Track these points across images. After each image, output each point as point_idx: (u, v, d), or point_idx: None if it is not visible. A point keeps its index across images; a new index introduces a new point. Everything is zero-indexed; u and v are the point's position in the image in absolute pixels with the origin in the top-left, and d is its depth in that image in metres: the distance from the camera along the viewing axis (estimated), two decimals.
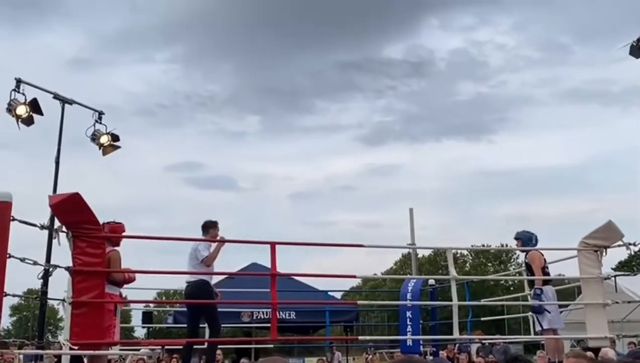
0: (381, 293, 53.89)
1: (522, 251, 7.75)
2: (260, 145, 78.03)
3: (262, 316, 12.77)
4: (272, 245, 6.17)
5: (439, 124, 76.89)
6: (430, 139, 78.42)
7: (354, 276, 7.53)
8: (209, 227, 7.20)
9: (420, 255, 54.01)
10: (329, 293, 14.20)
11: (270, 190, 77.76)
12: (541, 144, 73.24)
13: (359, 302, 9.27)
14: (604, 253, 7.12)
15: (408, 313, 9.84)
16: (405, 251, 55.14)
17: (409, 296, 9.96)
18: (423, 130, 78.15)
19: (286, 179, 78.71)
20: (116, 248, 6.35)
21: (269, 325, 7.81)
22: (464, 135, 79.81)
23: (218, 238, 7.14)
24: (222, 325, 8.00)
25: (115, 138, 9.94)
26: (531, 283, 7.56)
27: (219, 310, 8.29)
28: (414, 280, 10.37)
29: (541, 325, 7.25)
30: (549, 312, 7.28)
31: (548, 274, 7.55)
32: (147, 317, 13.20)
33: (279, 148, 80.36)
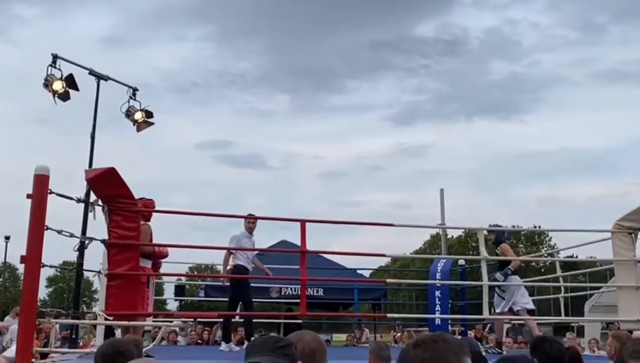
0: (410, 272, 54.06)
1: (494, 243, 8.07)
2: (289, 124, 78.22)
3: (291, 292, 12.90)
4: (302, 222, 6.20)
5: (471, 103, 75.88)
6: (462, 119, 77.41)
7: (384, 255, 7.55)
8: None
9: (449, 236, 53.79)
10: (358, 271, 14.24)
11: (300, 169, 77.98)
12: (574, 125, 71.88)
13: (388, 280, 9.23)
14: (638, 236, 7.02)
15: (437, 293, 9.84)
16: (435, 232, 55.10)
17: (438, 275, 9.97)
18: (455, 110, 77.19)
19: (316, 159, 78.80)
20: (147, 223, 6.52)
21: (297, 301, 7.88)
22: (496, 115, 78.58)
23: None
24: (252, 300, 8.20)
25: (149, 114, 10.05)
26: (502, 266, 7.86)
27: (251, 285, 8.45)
28: (444, 260, 10.35)
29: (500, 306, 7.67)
30: (503, 299, 7.69)
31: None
32: (179, 290, 13.44)
33: (308, 127, 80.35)
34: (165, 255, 6.74)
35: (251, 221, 8.13)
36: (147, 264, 6.49)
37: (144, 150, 75.02)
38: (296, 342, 2.19)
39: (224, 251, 8.15)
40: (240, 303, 8.11)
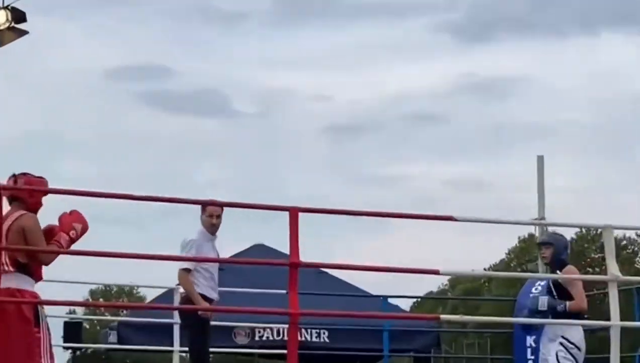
0: (482, 304, 54.31)
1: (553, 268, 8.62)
2: (272, 37, 78.00)
3: (271, 336, 12.99)
4: (293, 212, 6.25)
5: (590, 7, 75.59)
6: (574, 33, 77.44)
7: (436, 272, 7.57)
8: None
9: None
10: (390, 300, 14.35)
11: (290, 118, 78.09)
12: None
13: (443, 317, 9.29)
14: None
15: (529, 340, 9.92)
16: (527, 231, 55.26)
17: (531, 308, 10.03)
18: (560, 17, 77.02)
19: (317, 100, 79.23)
20: (32, 214, 6.67)
21: (283, 351, 7.98)
22: (632, 27, 78.33)
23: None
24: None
25: (18, 16, 10.05)
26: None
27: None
28: (542, 282, 10.40)
29: None
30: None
31: None
32: (71, 331, 13.55)
33: (304, 44, 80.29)
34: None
35: (214, 213, 8.32)
36: (31, 287, 6.65)
37: (10, 79, 75.03)
38: None
39: (179, 269, 8.36)
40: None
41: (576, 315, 8.23)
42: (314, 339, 13.22)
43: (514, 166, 65.93)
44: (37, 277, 6.70)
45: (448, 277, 58.24)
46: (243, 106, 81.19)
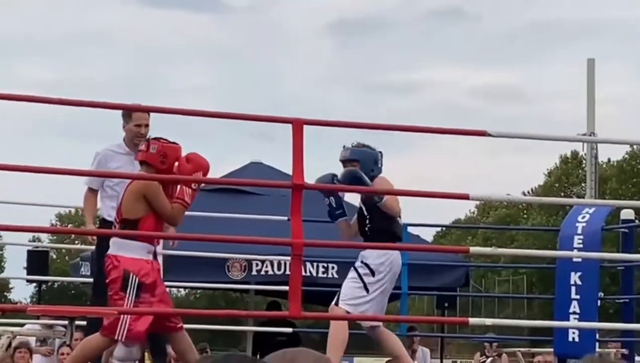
0: (519, 234, 54.47)
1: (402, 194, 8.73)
2: None
3: (271, 271, 13.06)
4: (296, 124, 6.31)
5: None
6: None
7: (465, 197, 7.59)
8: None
9: (604, 159, 53.93)
10: (409, 229, 14.38)
11: (288, 13, 77.47)
12: None
13: (473, 249, 9.32)
14: None
15: (574, 277, 10.02)
16: (572, 148, 55.30)
17: (577, 241, 10.13)
18: None
19: None
20: None
21: (284, 288, 8.01)
22: None
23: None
24: (195, 285, 8.75)
25: None
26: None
27: (180, 255, 8.76)
28: (590, 209, 10.48)
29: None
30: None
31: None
32: (36, 262, 13.68)
33: None
34: None
35: (142, 121, 8.67)
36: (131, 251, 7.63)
37: None
38: None
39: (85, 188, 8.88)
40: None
41: (390, 219, 8.57)
42: (320, 274, 13.27)
43: (558, 72, 65.77)
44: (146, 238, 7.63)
45: (478, 203, 58.48)
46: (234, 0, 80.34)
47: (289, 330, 11.91)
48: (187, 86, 71.36)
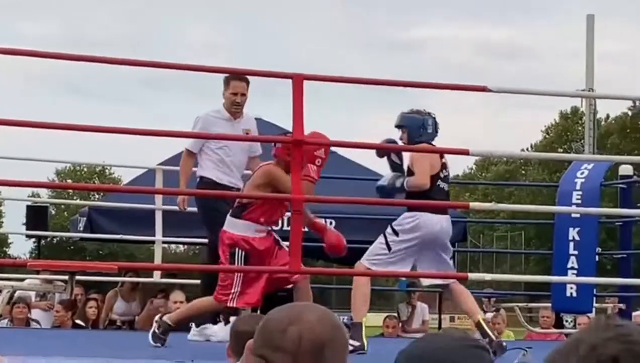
0: (518, 190, 54.54)
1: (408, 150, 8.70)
2: None
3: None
4: (297, 79, 6.31)
5: None
6: None
7: (465, 153, 7.59)
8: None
9: (602, 115, 53.86)
10: None
11: None
12: None
13: (473, 205, 9.34)
14: None
15: (572, 232, 10.04)
16: (571, 105, 55.28)
17: (575, 196, 10.14)
18: None
19: None
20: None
21: (284, 244, 8.03)
22: None
23: None
24: (186, 240, 8.93)
25: None
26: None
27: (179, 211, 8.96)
28: (589, 165, 10.47)
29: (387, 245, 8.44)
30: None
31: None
32: (35, 217, 13.68)
33: None
34: None
35: (238, 90, 8.61)
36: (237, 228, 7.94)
37: None
38: (288, 327, 2.28)
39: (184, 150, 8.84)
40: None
41: (418, 194, 8.48)
42: None
43: (557, 27, 65.54)
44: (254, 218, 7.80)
45: (477, 159, 58.52)
46: None
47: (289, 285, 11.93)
48: (192, 41, 71.07)
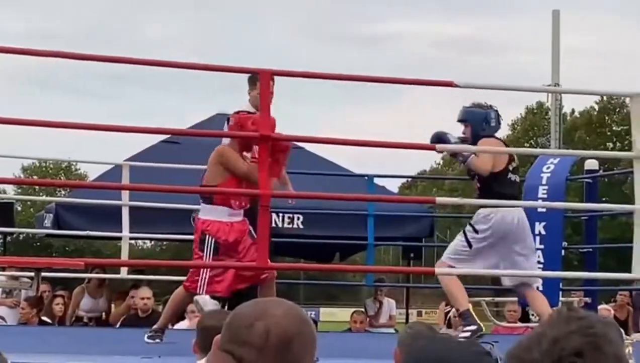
0: None
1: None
2: None
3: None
4: (264, 75, 6.32)
5: None
6: None
7: (432, 148, 7.61)
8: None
9: (567, 110, 54.11)
10: (376, 180, 14.41)
11: None
12: None
13: (439, 200, 9.37)
14: None
15: (539, 226, 10.07)
16: (537, 99, 55.46)
17: (541, 191, 10.20)
18: None
19: None
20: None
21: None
22: None
23: None
24: (153, 236, 8.96)
25: None
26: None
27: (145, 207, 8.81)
28: (555, 160, 10.54)
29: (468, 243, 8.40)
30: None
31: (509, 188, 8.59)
32: (1, 213, 13.62)
33: None
34: None
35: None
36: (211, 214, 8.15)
37: None
38: (255, 322, 2.29)
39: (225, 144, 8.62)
40: None
41: (493, 178, 8.47)
42: (285, 225, 13.23)
43: (523, 23, 65.76)
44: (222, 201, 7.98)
45: (443, 155, 58.60)
46: None
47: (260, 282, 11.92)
48: (153, 38, 70.83)
